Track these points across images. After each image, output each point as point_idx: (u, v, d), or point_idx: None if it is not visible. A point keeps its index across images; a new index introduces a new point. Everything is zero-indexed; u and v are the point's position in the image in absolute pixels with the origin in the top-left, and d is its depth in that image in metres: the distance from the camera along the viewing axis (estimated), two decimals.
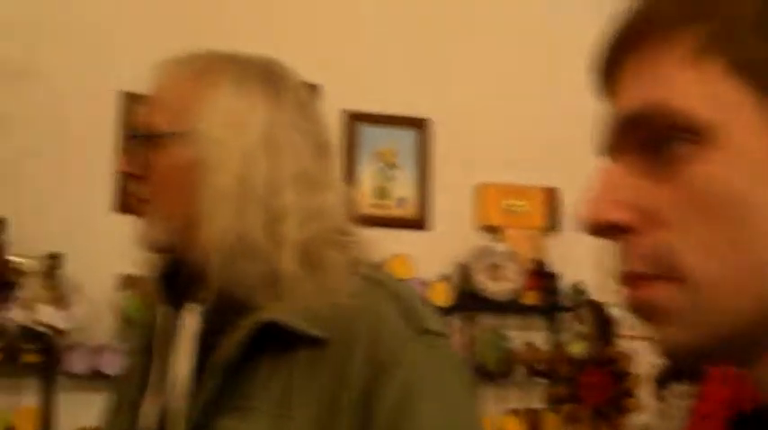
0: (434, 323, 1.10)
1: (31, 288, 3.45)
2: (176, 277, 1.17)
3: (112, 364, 3.59)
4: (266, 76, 1.15)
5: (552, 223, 4.46)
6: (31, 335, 3.50)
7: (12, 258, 3.56)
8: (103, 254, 3.73)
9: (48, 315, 3.43)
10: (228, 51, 1.18)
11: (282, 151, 1.10)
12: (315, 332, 1.04)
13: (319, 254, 1.08)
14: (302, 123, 1.14)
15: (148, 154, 1.13)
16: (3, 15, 3.82)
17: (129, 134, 1.19)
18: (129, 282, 3.74)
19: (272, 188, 1.08)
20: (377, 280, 1.11)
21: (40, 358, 3.54)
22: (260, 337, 1.05)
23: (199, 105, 1.11)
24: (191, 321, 1.13)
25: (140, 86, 3.52)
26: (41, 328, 3.45)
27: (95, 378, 3.61)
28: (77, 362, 3.58)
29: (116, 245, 3.73)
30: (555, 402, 4.02)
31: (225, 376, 1.06)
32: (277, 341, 1.05)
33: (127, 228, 3.52)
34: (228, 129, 1.09)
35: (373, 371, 1.02)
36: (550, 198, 4.47)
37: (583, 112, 4.49)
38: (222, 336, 1.07)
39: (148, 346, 1.21)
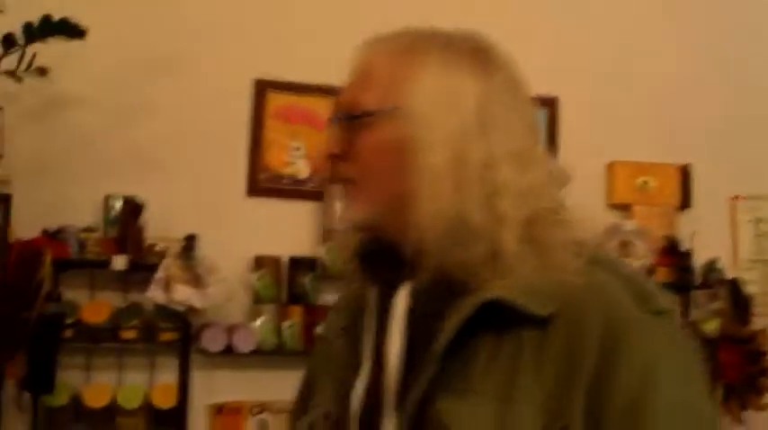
0: (665, 302, 1.04)
1: (168, 269, 3.56)
2: (380, 257, 1.15)
3: (245, 342, 3.69)
4: (475, 52, 1.11)
5: (685, 200, 4.35)
6: (167, 314, 3.62)
7: (150, 241, 3.68)
8: (237, 236, 3.84)
9: (184, 295, 3.53)
10: (433, 28, 1.15)
11: (496, 127, 1.06)
12: (541, 311, 1.00)
13: (540, 231, 1.04)
14: (512, 100, 1.10)
15: (354, 134, 1.11)
16: (146, 13, 3.93)
17: (332, 115, 1.14)
18: (260, 262, 3.82)
19: (487, 165, 1.03)
20: (600, 258, 1.06)
21: (176, 336, 3.66)
22: (481, 317, 1.01)
23: (408, 82, 1.07)
24: (402, 301, 1.10)
25: (272, 74, 3.61)
26: (178, 308, 3.56)
27: (229, 355, 3.72)
28: (212, 341, 3.68)
29: (249, 227, 3.88)
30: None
31: (445, 357, 1.02)
32: (498, 321, 1.01)
33: (259, 211, 3.63)
34: (440, 107, 1.05)
35: (606, 353, 0.96)
36: (683, 175, 4.36)
37: (713, 88, 4.42)
38: (436, 317, 1.04)
39: (352, 327, 1.19)
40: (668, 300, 1.05)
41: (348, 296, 1.27)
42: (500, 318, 1.01)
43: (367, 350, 1.14)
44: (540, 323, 1.00)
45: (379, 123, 1.08)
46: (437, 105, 1.05)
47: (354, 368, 1.14)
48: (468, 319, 1.01)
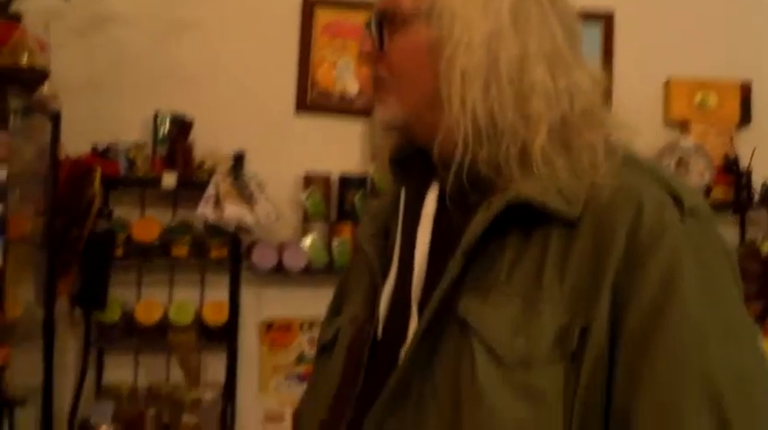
0: (697, 203, 1.03)
1: (218, 186, 3.54)
2: (414, 158, 1.17)
3: (295, 260, 3.68)
4: None
5: (744, 117, 4.23)
6: (217, 231, 3.62)
7: (199, 158, 3.67)
8: (286, 153, 3.81)
9: (234, 212, 3.53)
10: None
11: (531, 28, 1.06)
12: (569, 212, 1.00)
13: (571, 133, 1.04)
14: (549, 3, 1.09)
15: (389, 34, 1.12)
16: None
17: (370, 16, 1.15)
18: (310, 180, 3.80)
19: (520, 66, 1.04)
20: (634, 160, 1.06)
21: (226, 254, 3.67)
22: (508, 217, 1.02)
23: None
24: (431, 203, 1.12)
25: None
26: (228, 225, 3.55)
27: (278, 273, 3.72)
28: (262, 258, 3.68)
29: (298, 144, 3.85)
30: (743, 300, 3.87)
31: (470, 256, 1.03)
32: (526, 221, 1.02)
33: (308, 128, 3.59)
34: (475, 7, 1.05)
35: (634, 253, 0.97)
36: (743, 91, 4.23)
37: None
38: (466, 216, 1.05)
39: (381, 232, 1.21)
40: (700, 202, 1.04)
41: (381, 202, 1.29)
42: (528, 219, 1.02)
43: (396, 252, 1.16)
44: (568, 224, 1.00)
45: (413, 24, 1.09)
46: (472, 5, 1.06)
47: (384, 272, 1.16)
48: (495, 219, 1.02)
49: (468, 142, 1.03)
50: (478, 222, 1.02)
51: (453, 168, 1.05)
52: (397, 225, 1.18)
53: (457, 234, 1.04)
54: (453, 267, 1.03)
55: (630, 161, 1.05)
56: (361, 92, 3.96)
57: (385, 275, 1.16)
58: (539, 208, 1.00)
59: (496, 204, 1.02)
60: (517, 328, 0.98)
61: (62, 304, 3.47)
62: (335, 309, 1.31)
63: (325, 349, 1.25)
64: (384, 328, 1.13)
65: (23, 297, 3.25)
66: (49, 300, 3.31)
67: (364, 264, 1.22)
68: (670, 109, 4.18)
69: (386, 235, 1.21)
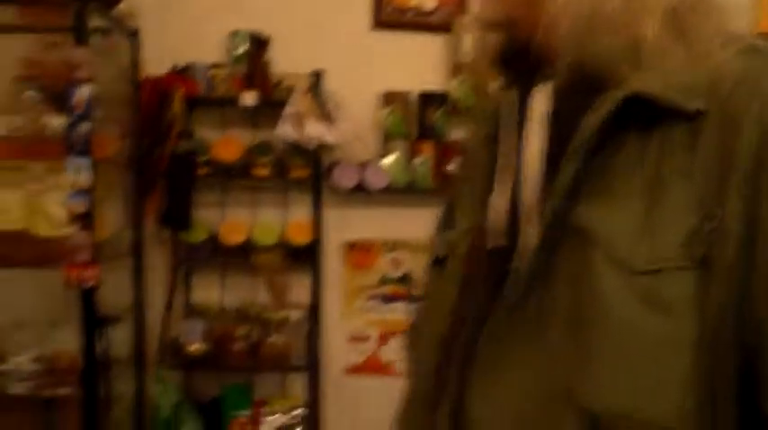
0: None
1: (297, 104, 3.49)
2: (519, 57, 1.07)
3: (377, 180, 3.63)
4: None
5: None
6: (298, 151, 3.57)
7: (277, 77, 3.61)
8: (364, 71, 3.75)
9: (315, 130, 3.48)
10: None
11: None
12: (689, 105, 0.91)
13: (684, 23, 0.95)
14: None
15: None
16: None
17: None
18: (389, 98, 3.73)
19: None
20: (757, 48, 0.95)
21: (307, 173, 3.63)
22: (623, 115, 0.93)
23: None
24: (540, 102, 1.03)
25: None
26: (309, 144, 3.51)
27: (360, 192, 3.68)
28: (343, 178, 3.64)
29: (376, 61, 3.77)
30: None
31: (585, 158, 0.95)
32: (643, 119, 0.93)
33: (384, 45, 3.51)
34: None
35: (764, 151, 0.87)
36: None
37: None
38: (577, 117, 0.96)
39: (492, 136, 1.13)
40: None
41: (488, 104, 1.21)
42: (645, 116, 0.93)
43: (505, 155, 1.09)
44: (689, 118, 0.91)
45: None
46: None
47: (494, 176, 1.09)
48: (609, 116, 0.93)
49: (572, 38, 0.96)
50: (591, 121, 0.94)
51: (559, 67, 0.98)
52: (501, 130, 1.11)
53: (568, 136, 0.96)
54: (567, 170, 0.95)
55: (752, 49, 0.95)
56: (437, 7, 3.86)
57: (498, 181, 1.09)
58: (656, 103, 0.92)
59: (610, 100, 0.93)
60: (641, 231, 0.90)
61: (149, 224, 3.47)
62: (447, 220, 1.24)
63: (438, 261, 1.19)
64: (497, 238, 1.07)
65: (111, 217, 3.24)
66: (137, 221, 3.30)
67: (474, 171, 1.16)
68: (762, 19, 4.05)
69: (496, 137, 1.13)
